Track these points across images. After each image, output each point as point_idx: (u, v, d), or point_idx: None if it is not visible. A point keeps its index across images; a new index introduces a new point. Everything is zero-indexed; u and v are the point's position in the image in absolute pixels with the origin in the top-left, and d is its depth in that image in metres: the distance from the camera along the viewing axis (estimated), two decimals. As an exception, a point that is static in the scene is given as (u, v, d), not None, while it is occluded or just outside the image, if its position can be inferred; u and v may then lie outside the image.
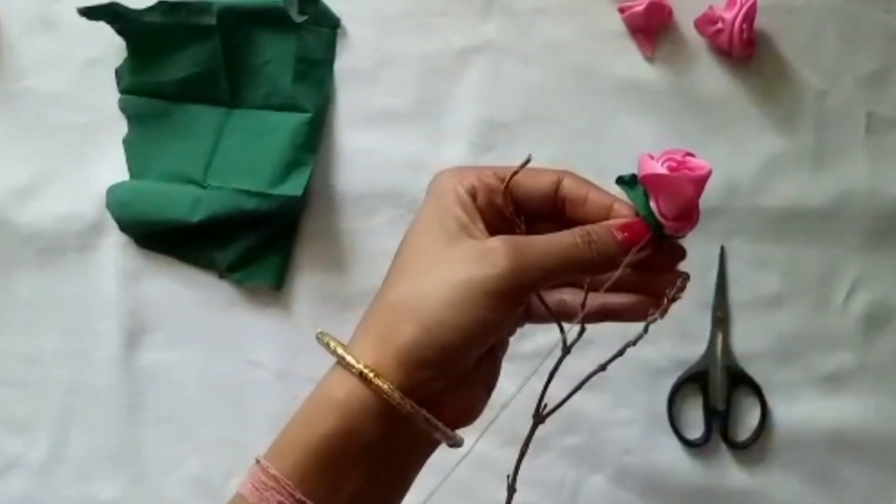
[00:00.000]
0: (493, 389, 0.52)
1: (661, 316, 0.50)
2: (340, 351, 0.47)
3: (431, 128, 0.80)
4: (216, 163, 0.80)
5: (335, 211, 0.80)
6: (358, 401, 0.46)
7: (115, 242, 0.80)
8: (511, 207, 0.50)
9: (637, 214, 0.49)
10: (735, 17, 0.75)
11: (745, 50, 0.76)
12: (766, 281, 0.77)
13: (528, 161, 0.49)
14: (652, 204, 0.48)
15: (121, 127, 0.81)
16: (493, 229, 0.49)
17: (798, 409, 0.76)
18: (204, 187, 0.79)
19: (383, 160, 0.79)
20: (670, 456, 0.77)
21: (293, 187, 0.77)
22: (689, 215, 0.49)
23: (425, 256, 0.48)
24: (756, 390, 0.76)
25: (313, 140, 0.79)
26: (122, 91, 0.82)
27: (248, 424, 0.79)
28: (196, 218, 0.78)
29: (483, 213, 0.49)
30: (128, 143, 0.81)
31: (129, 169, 0.81)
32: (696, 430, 0.76)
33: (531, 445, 0.78)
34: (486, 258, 0.46)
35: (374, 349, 0.46)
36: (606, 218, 0.50)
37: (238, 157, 0.79)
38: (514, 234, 0.49)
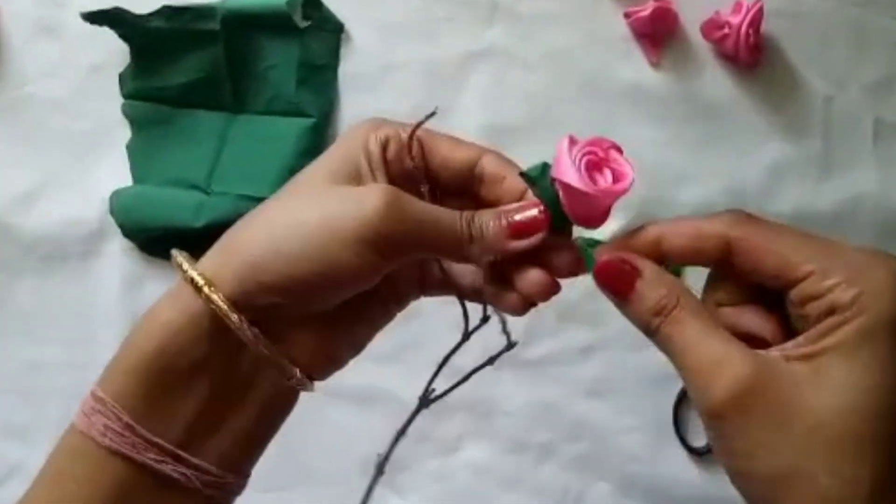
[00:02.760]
0: (361, 349, 0.48)
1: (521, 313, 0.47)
2: (179, 258, 0.44)
3: (435, 133, 0.79)
4: (220, 168, 0.80)
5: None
6: (188, 314, 0.43)
7: (118, 248, 0.80)
8: (413, 163, 0.46)
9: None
10: (741, 23, 0.74)
11: (751, 56, 0.76)
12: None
13: (433, 113, 0.46)
14: (561, 197, 0.45)
15: (124, 132, 0.81)
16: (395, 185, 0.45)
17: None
18: (207, 193, 0.79)
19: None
20: (675, 464, 0.76)
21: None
22: (599, 219, 0.46)
23: (306, 188, 0.45)
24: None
25: (317, 145, 0.78)
26: (126, 96, 0.81)
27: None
28: (199, 224, 0.77)
29: (390, 167, 0.46)
30: (131, 149, 0.81)
31: (133, 174, 0.81)
32: (701, 437, 0.76)
33: (531, 451, 0.78)
34: (361, 200, 0.42)
35: (215, 260, 0.44)
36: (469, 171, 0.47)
37: (242, 162, 0.79)
38: (420, 196, 0.46)
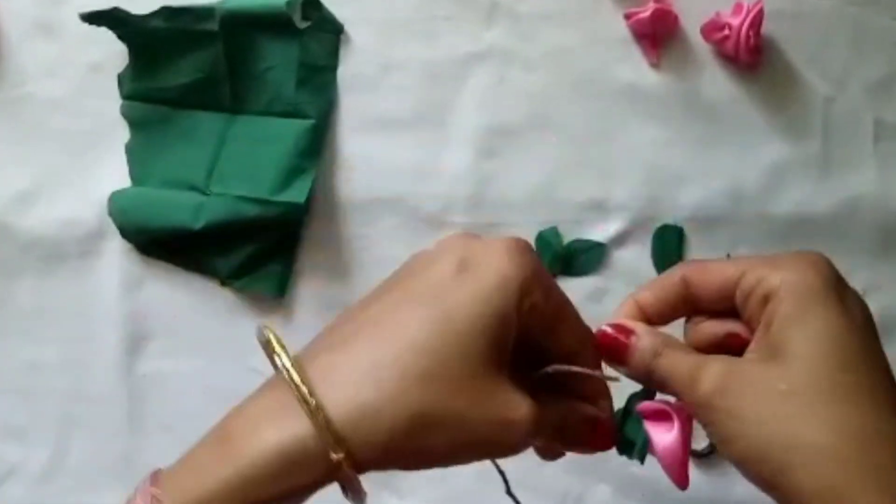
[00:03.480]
0: None
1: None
2: (303, 391, 0.41)
3: (435, 134, 0.79)
4: (218, 169, 0.79)
5: (338, 218, 0.79)
6: (301, 442, 0.40)
7: (116, 249, 0.80)
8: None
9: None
10: (741, 24, 0.74)
11: (751, 56, 0.76)
12: (773, 289, 0.76)
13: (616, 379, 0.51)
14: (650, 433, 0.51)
15: (123, 133, 0.81)
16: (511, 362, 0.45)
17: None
18: (206, 194, 0.79)
19: (386, 167, 0.79)
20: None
21: (296, 194, 0.76)
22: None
23: (460, 371, 0.42)
24: (762, 400, 0.75)
25: (316, 146, 0.78)
26: (124, 97, 0.81)
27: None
28: (198, 225, 0.77)
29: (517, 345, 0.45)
30: (130, 150, 0.81)
31: (131, 175, 0.81)
32: (702, 440, 0.75)
33: (531, 453, 0.78)
34: (508, 431, 0.44)
35: (345, 407, 0.41)
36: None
37: (240, 163, 0.79)
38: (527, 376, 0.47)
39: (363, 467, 0.41)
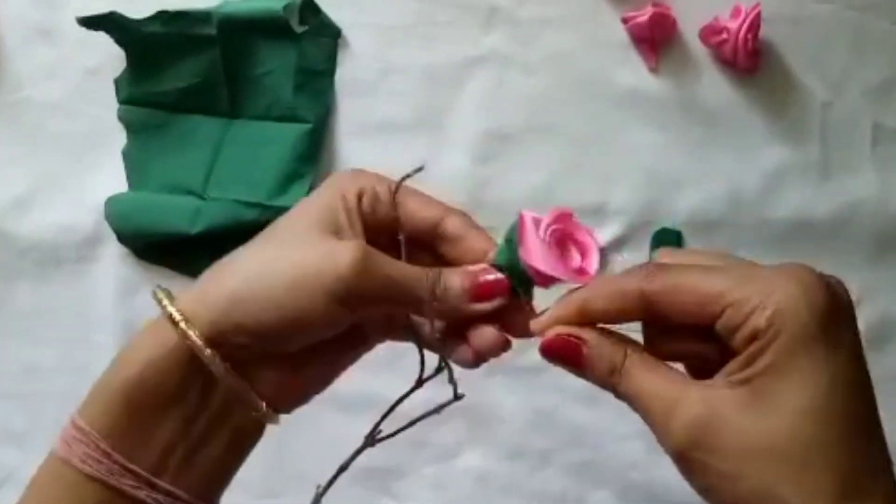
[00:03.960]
0: (327, 386, 0.51)
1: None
2: (160, 294, 0.47)
3: (433, 139, 0.79)
4: (216, 174, 0.79)
5: (336, 222, 0.79)
6: (164, 347, 0.45)
7: (113, 254, 0.80)
8: (396, 214, 0.49)
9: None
10: (740, 28, 0.74)
11: (749, 61, 0.76)
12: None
13: (419, 168, 0.49)
14: (522, 257, 0.46)
15: (120, 138, 0.81)
16: (370, 237, 0.48)
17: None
18: (203, 199, 0.79)
19: (384, 171, 0.78)
20: (674, 471, 0.75)
21: (293, 198, 0.76)
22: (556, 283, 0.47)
23: (284, 234, 0.47)
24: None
25: (314, 151, 0.78)
26: (122, 101, 0.81)
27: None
28: (195, 230, 0.77)
29: (366, 219, 0.48)
30: (127, 154, 0.81)
31: (128, 180, 0.80)
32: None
33: (529, 458, 0.78)
34: (335, 255, 0.45)
35: (193, 298, 0.46)
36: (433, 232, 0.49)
37: (238, 168, 0.79)
38: (388, 246, 0.48)
39: (221, 343, 0.45)
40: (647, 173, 0.77)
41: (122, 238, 0.79)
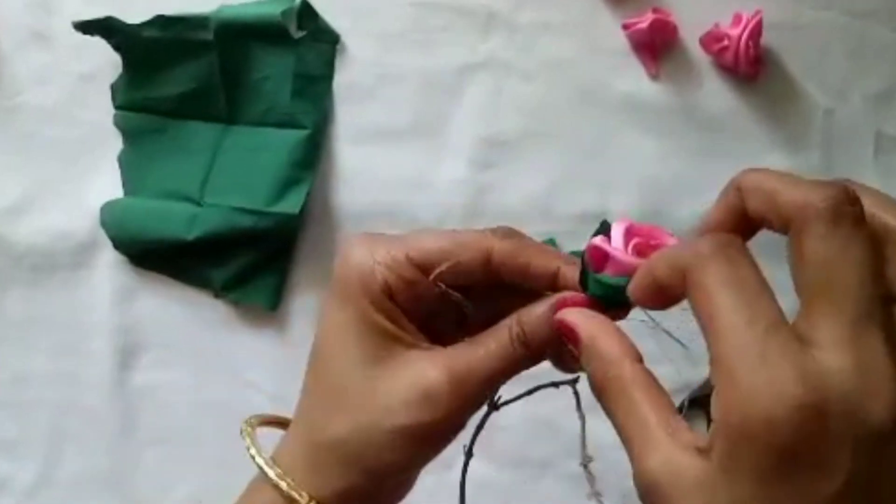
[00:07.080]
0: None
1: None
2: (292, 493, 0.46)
3: (431, 145, 0.79)
4: (212, 180, 0.79)
5: (333, 229, 0.78)
6: None
7: (108, 260, 0.79)
8: (444, 290, 0.44)
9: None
10: (741, 35, 0.74)
11: (751, 68, 0.75)
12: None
13: (455, 264, 0.43)
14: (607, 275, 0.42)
15: (116, 143, 0.80)
16: (421, 319, 0.45)
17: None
18: (200, 205, 0.78)
19: (382, 178, 0.78)
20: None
21: (290, 205, 0.76)
22: None
23: (356, 382, 0.44)
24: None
25: (311, 157, 0.78)
26: (118, 107, 0.81)
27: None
28: (191, 236, 0.77)
29: (405, 307, 0.44)
30: (123, 160, 0.80)
31: (124, 186, 0.80)
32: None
33: (530, 467, 0.77)
34: (428, 403, 0.43)
35: (315, 492, 0.45)
36: (552, 285, 0.44)
37: (235, 174, 0.78)
38: (447, 317, 0.45)
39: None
40: (648, 180, 0.77)
41: (118, 244, 0.79)
